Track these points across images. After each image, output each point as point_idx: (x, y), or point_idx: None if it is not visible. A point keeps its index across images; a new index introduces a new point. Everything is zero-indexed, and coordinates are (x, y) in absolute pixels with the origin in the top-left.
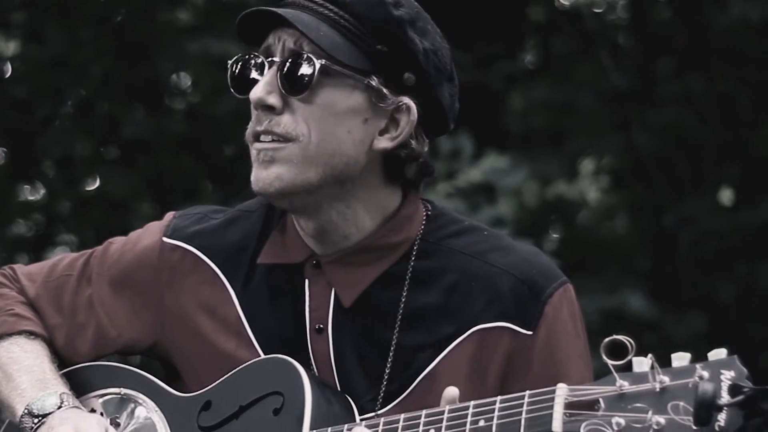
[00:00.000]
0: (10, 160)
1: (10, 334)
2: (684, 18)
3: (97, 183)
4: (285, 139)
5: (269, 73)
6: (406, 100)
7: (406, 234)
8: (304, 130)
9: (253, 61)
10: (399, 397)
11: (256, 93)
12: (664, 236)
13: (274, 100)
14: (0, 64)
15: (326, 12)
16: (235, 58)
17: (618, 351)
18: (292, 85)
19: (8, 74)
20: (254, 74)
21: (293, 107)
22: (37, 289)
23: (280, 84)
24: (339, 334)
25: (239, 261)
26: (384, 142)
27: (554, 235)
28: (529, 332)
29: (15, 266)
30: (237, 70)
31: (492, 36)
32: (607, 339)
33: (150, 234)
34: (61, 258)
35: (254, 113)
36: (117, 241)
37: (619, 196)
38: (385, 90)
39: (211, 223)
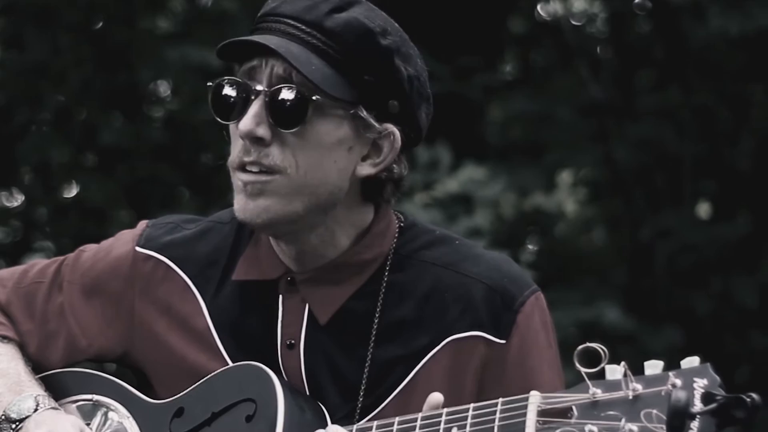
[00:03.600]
0: None
1: None
2: (663, 31)
3: (75, 190)
4: (273, 171)
5: (257, 104)
6: (391, 127)
7: (379, 249)
8: (292, 162)
9: (236, 86)
10: (375, 410)
11: (246, 125)
12: (641, 249)
13: (263, 132)
14: None
15: (314, 42)
16: (216, 82)
17: (591, 359)
18: (284, 119)
19: None
20: (238, 100)
21: (282, 139)
22: (8, 295)
23: (269, 116)
24: (311, 349)
25: (211, 273)
26: (366, 169)
27: (531, 247)
28: (502, 341)
29: None
30: (219, 95)
31: (471, 47)
32: (580, 347)
33: (122, 243)
34: (32, 264)
35: (240, 142)
36: (89, 249)
37: (596, 208)
38: (371, 119)
39: (184, 233)
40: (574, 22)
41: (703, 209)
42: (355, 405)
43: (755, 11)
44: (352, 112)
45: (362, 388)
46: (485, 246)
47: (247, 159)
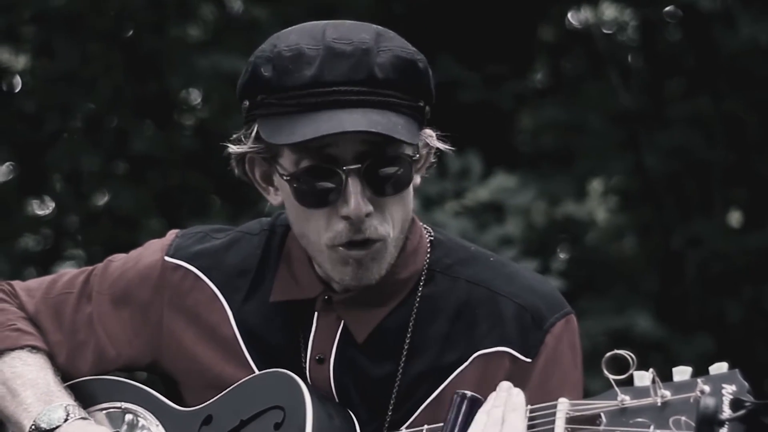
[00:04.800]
0: (19, 174)
1: (12, 349)
2: (693, 39)
3: (106, 198)
4: (380, 238)
5: (354, 182)
6: (428, 131)
7: (413, 267)
8: (392, 223)
9: (321, 172)
10: (403, 425)
11: (360, 210)
12: (672, 257)
13: (370, 207)
14: (10, 78)
15: (379, 99)
16: (297, 174)
17: (620, 366)
18: (391, 187)
19: (18, 88)
20: (332, 185)
21: (381, 204)
22: (36, 305)
23: (371, 189)
24: (341, 365)
25: (239, 284)
26: (417, 179)
27: (562, 255)
28: (529, 359)
29: (12, 282)
30: (309, 188)
31: (502, 55)
32: (608, 354)
33: (151, 252)
34: (61, 274)
35: (340, 223)
36: (117, 259)
37: (627, 216)
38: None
39: (213, 243)
40: (604, 30)
41: (734, 217)
42: (384, 419)
43: None
44: (419, 144)
45: (391, 403)
46: (516, 255)
47: (358, 237)
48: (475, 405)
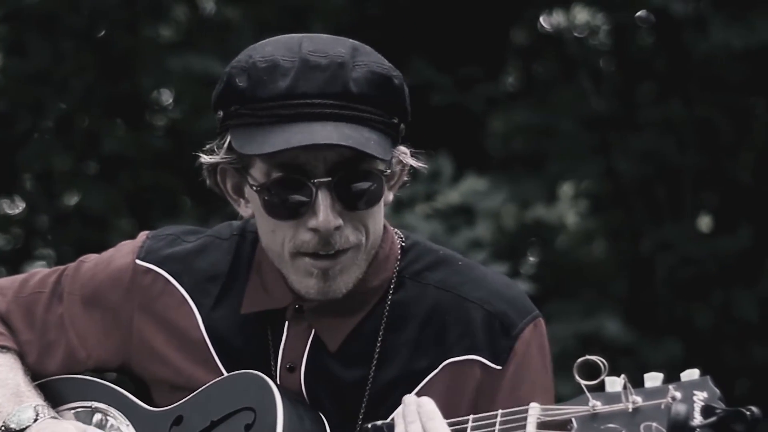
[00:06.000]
0: None
1: None
2: (665, 44)
3: (76, 198)
4: (348, 249)
5: (324, 195)
6: (402, 148)
7: (384, 274)
8: (364, 232)
9: (291, 185)
10: None
11: (329, 224)
12: (642, 262)
13: (339, 220)
14: None
15: (352, 113)
16: (267, 185)
17: (591, 371)
18: (362, 202)
19: None
20: (301, 198)
21: (352, 217)
22: (8, 305)
23: (341, 203)
24: (312, 373)
25: (209, 288)
26: (390, 197)
27: (532, 259)
28: (499, 367)
29: None
30: (279, 200)
31: (473, 58)
32: (580, 359)
33: (123, 255)
34: (32, 273)
35: (307, 234)
36: (89, 260)
37: (597, 220)
38: (398, 154)
39: (185, 246)
40: (576, 34)
41: (704, 222)
42: (355, 425)
43: (758, 25)
44: (392, 159)
45: (362, 408)
46: (486, 258)
47: (327, 251)
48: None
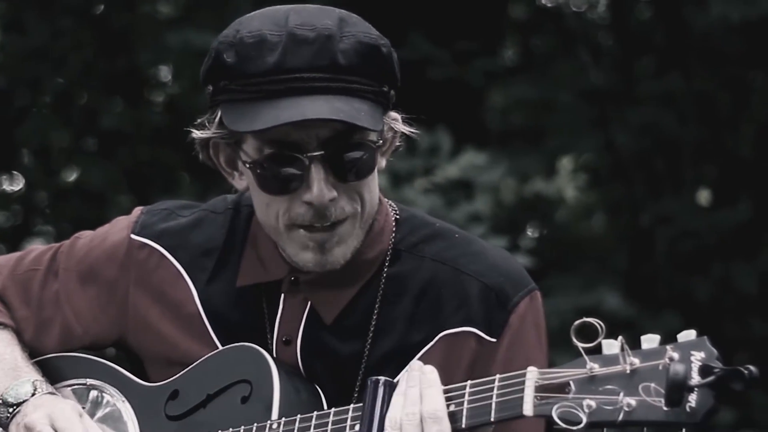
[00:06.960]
0: None
1: None
2: (664, 17)
3: (75, 174)
4: (344, 219)
5: (317, 168)
6: (393, 114)
7: (380, 246)
8: (359, 202)
9: (284, 159)
10: None
11: (323, 197)
12: (641, 235)
13: (333, 192)
14: None
15: (342, 85)
16: (260, 161)
17: (588, 335)
18: (355, 173)
19: None
20: (295, 171)
21: (347, 188)
22: (4, 282)
23: (335, 175)
24: (308, 347)
25: (204, 263)
26: (383, 163)
27: (531, 233)
28: (493, 339)
29: None
30: (272, 174)
31: (472, 32)
32: (577, 322)
33: (118, 230)
34: (28, 251)
35: (303, 207)
36: (84, 236)
37: (596, 194)
38: (389, 120)
39: (179, 221)
40: (575, 8)
41: (704, 195)
42: (351, 398)
43: None
44: (384, 127)
45: (358, 383)
46: (485, 232)
47: (322, 223)
48: (391, 389)
